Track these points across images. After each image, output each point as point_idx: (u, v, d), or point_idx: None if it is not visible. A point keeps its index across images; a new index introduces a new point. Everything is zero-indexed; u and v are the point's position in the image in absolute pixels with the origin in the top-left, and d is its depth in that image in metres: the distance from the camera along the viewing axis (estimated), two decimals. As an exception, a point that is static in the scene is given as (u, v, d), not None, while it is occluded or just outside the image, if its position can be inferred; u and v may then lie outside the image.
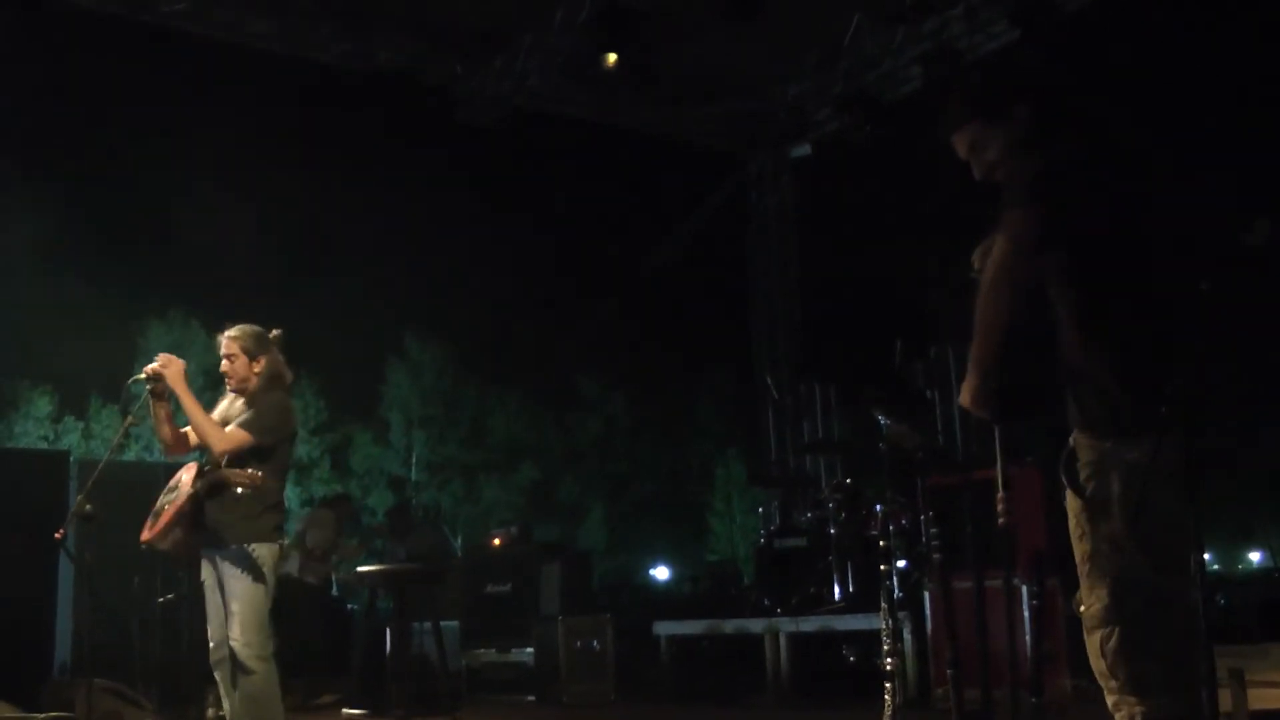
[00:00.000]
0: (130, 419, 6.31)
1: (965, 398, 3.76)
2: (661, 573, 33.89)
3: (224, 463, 6.17)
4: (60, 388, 32.20)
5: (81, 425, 32.50)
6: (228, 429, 6.11)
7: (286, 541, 6.57)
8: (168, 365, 6.16)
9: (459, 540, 35.52)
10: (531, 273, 38.54)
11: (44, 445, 30.36)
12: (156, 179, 31.76)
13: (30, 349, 29.57)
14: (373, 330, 36.90)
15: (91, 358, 30.60)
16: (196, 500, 6.19)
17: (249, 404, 6.26)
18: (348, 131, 32.48)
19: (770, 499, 12.89)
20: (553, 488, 38.76)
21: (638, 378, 39.03)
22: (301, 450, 35.57)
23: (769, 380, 14.56)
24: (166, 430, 6.29)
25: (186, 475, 6.21)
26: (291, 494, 34.23)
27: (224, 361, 6.35)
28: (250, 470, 6.07)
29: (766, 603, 10.68)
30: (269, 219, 33.19)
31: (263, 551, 6.12)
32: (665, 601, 15.41)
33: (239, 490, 6.09)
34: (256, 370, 6.29)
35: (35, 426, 31.45)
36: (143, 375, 6.15)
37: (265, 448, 6.13)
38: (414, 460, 38.03)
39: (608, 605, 12.19)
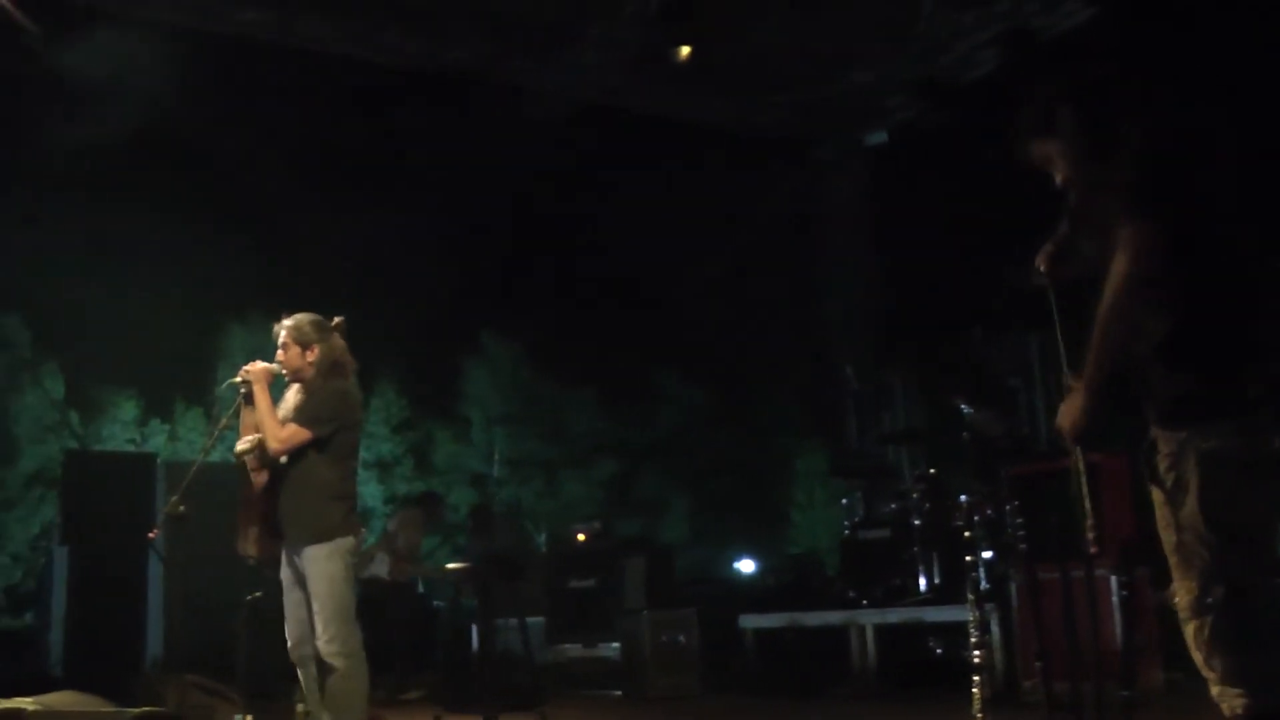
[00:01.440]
0: (224, 422, 6.40)
1: (1069, 420, 3.69)
2: (747, 566, 33.76)
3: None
4: (145, 392, 32.60)
5: (167, 428, 32.88)
6: (285, 426, 6.16)
7: (364, 532, 6.61)
8: (254, 369, 6.26)
9: (541, 536, 35.59)
10: (604, 266, 38.58)
11: (131, 448, 30.77)
12: (234, 182, 32.12)
13: (116, 353, 30.03)
14: (451, 328, 37.08)
15: (175, 362, 31.03)
16: (264, 501, 6.27)
17: (307, 395, 6.29)
18: (418, 131, 32.71)
19: (852, 490, 12.84)
20: (632, 482, 38.77)
21: (716, 369, 38.92)
22: (384, 448, 35.84)
23: (848, 370, 14.48)
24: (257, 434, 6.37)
25: (258, 478, 6.30)
26: (375, 491, 34.46)
27: (279, 351, 6.40)
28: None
29: (851, 595, 10.64)
30: (345, 219, 33.46)
31: (338, 545, 6.14)
32: (749, 594, 15.33)
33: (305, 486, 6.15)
34: (310, 360, 6.31)
35: (122, 430, 31.87)
36: (237, 379, 6.27)
37: (322, 438, 6.15)
38: (495, 457, 38.20)
39: (691, 599, 12.17)
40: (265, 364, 6.29)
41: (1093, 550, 4.60)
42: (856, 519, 11.74)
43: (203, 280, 31.56)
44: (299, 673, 6.35)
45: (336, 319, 6.45)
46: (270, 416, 6.09)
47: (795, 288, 26.73)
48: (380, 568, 11.82)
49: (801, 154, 15.33)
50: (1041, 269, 3.93)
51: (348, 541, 6.13)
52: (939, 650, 9.93)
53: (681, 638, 10.97)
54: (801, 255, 17.53)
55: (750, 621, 11.35)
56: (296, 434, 6.07)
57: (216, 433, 6.45)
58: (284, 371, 6.31)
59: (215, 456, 7.13)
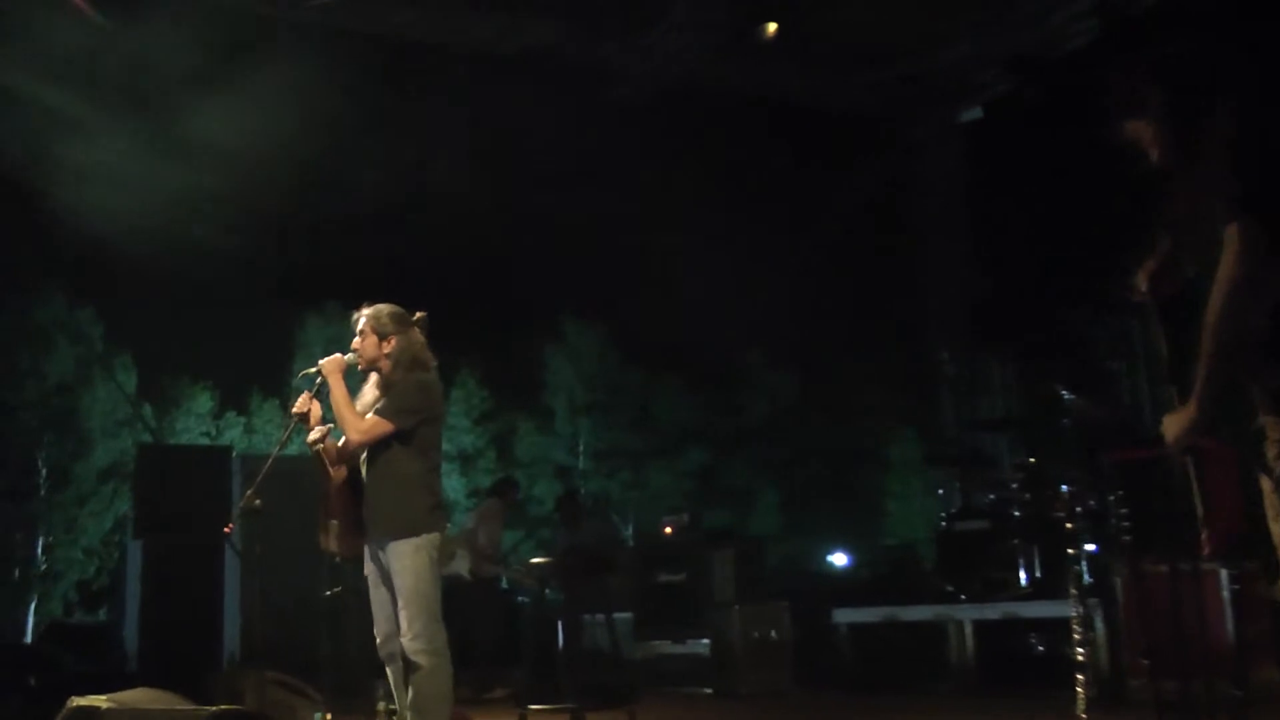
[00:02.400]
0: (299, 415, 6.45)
1: (1178, 429, 3.61)
2: (840, 559, 33.55)
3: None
4: (220, 384, 32.93)
5: (243, 421, 33.19)
6: (366, 418, 6.20)
7: (450, 527, 6.66)
8: (327, 361, 6.33)
9: (629, 529, 35.59)
10: (689, 251, 38.50)
11: (206, 441, 31.12)
12: (307, 170, 32.42)
13: (190, 346, 30.38)
14: (532, 316, 37.15)
15: (250, 354, 31.34)
16: (346, 495, 6.31)
17: (385, 388, 6.34)
18: (496, 111, 32.78)
19: (949, 480, 12.73)
20: (720, 472, 38.70)
21: (805, 356, 38.72)
22: (466, 440, 36.01)
23: (943, 355, 14.37)
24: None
25: (336, 473, 6.35)
26: (458, 485, 34.62)
27: (356, 339, 6.45)
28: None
29: (948, 589, 10.56)
30: (420, 206, 33.66)
31: (426, 541, 6.17)
32: (843, 588, 15.28)
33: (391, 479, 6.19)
34: (386, 351, 6.36)
35: (197, 423, 32.18)
36: (311, 370, 6.33)
37: (404, 431, 6.19)
38: (580, 448, 38.28)
39: (783, 592, 12.13)
40: (339, 355, 6.35)
41: (1205, 552, 4.52)
42: (953, 510, 11.65)
43: (279, 270, 31.91)
44: (387, 670, 6.39)
45: (418, 314, 6.49)
46: (348, 408, 6.14)
47: (888, 270, 26.50)
48: (461, 565, 11.87)
49: (894, 132, 15.21)
50: (1143, 287, 3.85)
51: (433, 537, 6.15)
52: (1040, 647, 9.83)
53: (773, 633, 10.94)
54: (894, 236, 17.41)
55: (844, 616, 11.29)
56: (377, 425, 6.12)
57: (292, 425, 6.52)
58: (359, 361, 6.34)
59: (292, 449, 7.19)
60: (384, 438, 6.13)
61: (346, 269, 32.20)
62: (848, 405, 40.61)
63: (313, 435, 6.27)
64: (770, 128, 26.96)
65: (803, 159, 33.98)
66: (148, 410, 30.53)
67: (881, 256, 26.69)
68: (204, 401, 33.03)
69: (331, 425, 6.32)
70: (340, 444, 6.37)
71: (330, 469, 6.30)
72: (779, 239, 35.98)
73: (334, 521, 6.26)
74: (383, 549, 6.17)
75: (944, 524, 11.38)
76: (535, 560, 10.06)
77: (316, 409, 6.33)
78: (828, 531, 39.28)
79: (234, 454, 12.77)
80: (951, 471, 13.06)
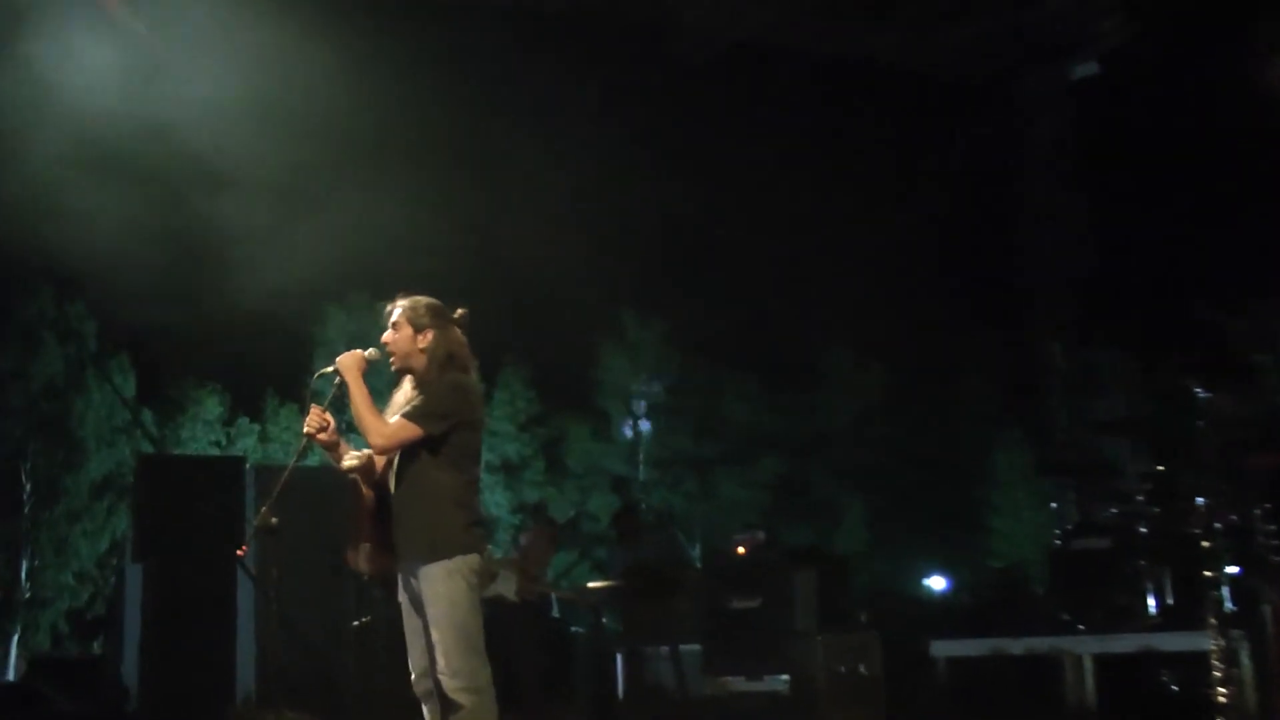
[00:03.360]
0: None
1: None
2: (938, 582, 33.38)
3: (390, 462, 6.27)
4: (231, 386, 33.05)
5: (257, 428, 33.36)
6: (391, 421, 6.14)
7: (491, 549, 6.64)
8: (347, 357, 6.28)
9: (696, 548, 35.56)
10: (762, 231, 38.37)
11: (216, 451, 31.26)
12: (329, 147, 32.57)
13: (197, 344, 30.49)
14: (585, 311, 37.22)
15: (265, 352, 31.46)
16: (375, 510, 6.28)
17: (419, 389, 6.28)
18: (543, 77, 32.80)
19: (1063, 491, 12.62)
20: (800, 482, 38.61)
21: (895, 349, 38.58)
22: (510, 449, 36.08)
23: (1054, 347, 14.26)
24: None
25: (370, 492, 6.32)
26: (501, 499, 34.74)
27: (388, 332, 6.38)
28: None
29: (1065, 618, 10.46)
30: (455, 186, 33.75)
31: (462, 564, 6.11)
32: (941, 616, 15.19)
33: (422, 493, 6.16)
34: (421, 346, 6.28)
35: (205, 430, 32.35)
36: (329, 369, 6.28)
37: (435, 437, 6.12)
38: (639, 456, 38.29)
39: (873, 621, 12.07)
40: (359, 351, 6.29)
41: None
42: (1069, 526, 11.56)
43: (298, 257, 32.12)
44: (423, 709, 6.37)
45: (459, 310, 6.43)
46: (369, 411, 6.06)
47: (990, 250, 26.33)
48: (505, 586, 11.85)
49: (995, 92, 15.09)
50: None
51: (470, 559, 6.09)
52: (1174, 686, 9.73)
53: (862, 667, 10.89)
54: (996, 211, 17.30)
55: (943, 648, 11.23)
56: (403, 429, 6.04)
57: (305, 445, 6.46)
58: (391, 356, 6.30)
59: (313, 459, 7.19)
60: (411, 445, 6.08)
61: (372, 256, 32.38)
62: (944, 405, 40.47)
63: (349, 461, 6.24)
64: (855, 92, 26.93)
65: (891, 127, 33.81)
66: (148, 416, 30.73)
67: (982, 235, 26.54)
68: (212, 406, 33.20)
69: (367, 452, 6.29)
70: (364, 451, 6.36)
71: (362, 487, 6.29)
72: (864, 218, 35.83)
73: (365, 544, 6.26)
74: (414, 574, 6.14)
75: (1058, 542, 11.29)
76: (590, 584, 10.05)
77: (331, 424, 6.28)
78: (923, 550, 39.15)
79: (247, 465, 12.80)
80: (1067, 481, 12.95)
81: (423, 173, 32.00)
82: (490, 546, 6.69)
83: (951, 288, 37.33)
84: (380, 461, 6.30)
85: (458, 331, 6.39)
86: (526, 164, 34.91)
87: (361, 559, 6.31)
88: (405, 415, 6.11)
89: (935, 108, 20.58)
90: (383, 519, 6.27)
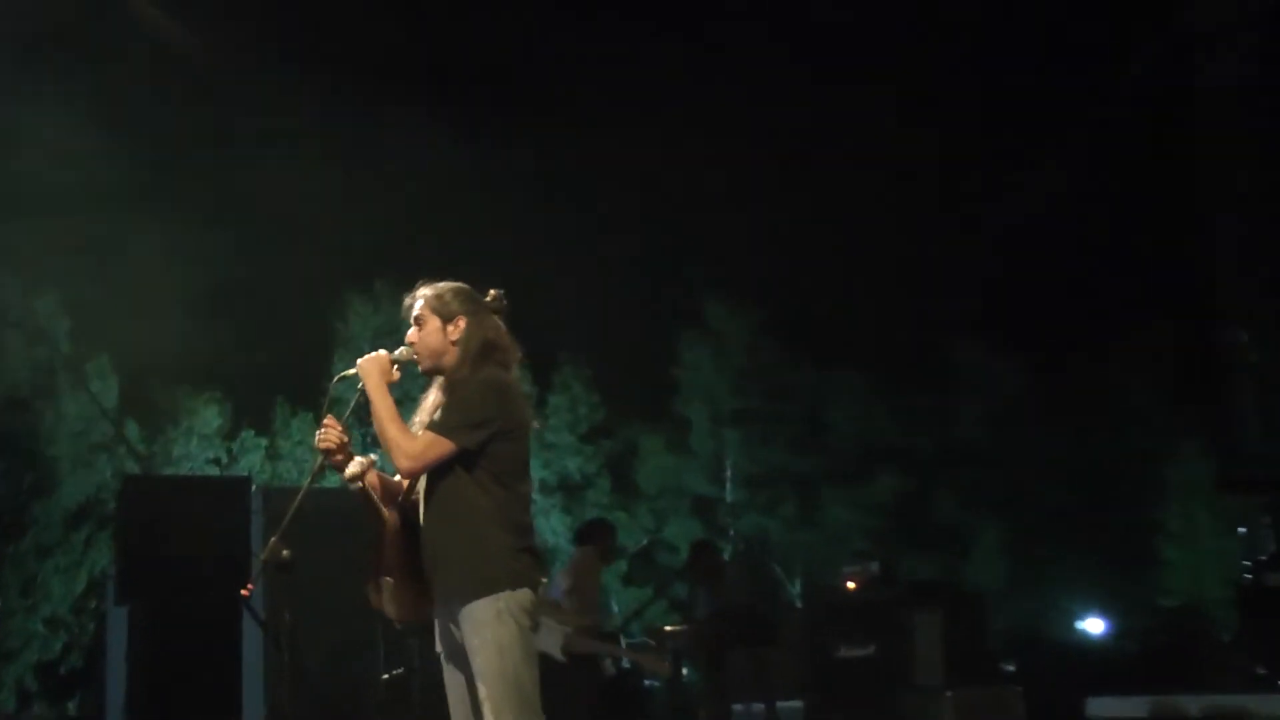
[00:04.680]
0: (339, 431, 6.41)
1: None
2: (1095, 625, 33.17)
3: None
4: (233, 392, 33.13)
5: (264, 442, 33.50)
6: (419, 436, 6.11)
7: (545, 581, 6.55)
8: (368, 360, 6.26)
9: (796, 584, 35.48)
10: (875, 203, 38.28)
11: (214, 470, 31.41)
12: (353, 118, 32.74)
13: (190, 342, 30.60)
14: (659, 296, 37.19)
15: (274, 352, 31.61)
16: (403, 543, 6.27)
17: (449, 391, 6.24)
18: (611, 38, 33.06)
19: (1254, 514, 12.53)
20: (923, 504, 38.45)
21: (1039, 340, 38.40)
22: (569, 464, 36.12)
23: (1239, 335, 14.16)
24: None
25: (391, 512, 6.30)
26: (559, 524, 34.79)
27: (411, 329, 6.34)
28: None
29: (1258, 671, 10.41)
30: (503, 159, 33.89)
31: (508, 602, 6.09)
32: (1099, 666, 15.10)
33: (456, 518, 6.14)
34: (454, 337, 6.23)
35: (202, 446, 32.43)
36: (349, 372, 6.29)
37: (471, 450, 6.09)
38: (727, 472, 38.26)
39: (1014, 672, 12.04)
40: (382, 352, 6.27)
41: None
42: (1261, 556, 11.48)
43: (314, 241, 32.26)
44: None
45: (492, 293, 6.38)
46: (393, 424, 6.02)
47: (1156, 216, 26.18)
48: (550, 642, 11.77)
49: (1166, 18, 15.02)
50: None
51: (521, 595, 6.06)
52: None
53: (1002, 728, 10.87)
54: (1167, 165, 17.18)
55: (1103, 707, 11.20)
56: (432, 446, 6.00)
57: (320, 462, 6.44)
58: (415, 357, 6.27)
59: (332, 478, 7.22)
60: (444, 461, 6.05)
61: (401, 236, 32.53)
62: (1102, 408, 40.12)
63: (351, 469, 6.17)
64: (996, 51, 27.02)
65: (1031, 65, 33.79)
66: (133, 430, 30.83)
67: (1147, 197, 26.37)
68: (211, 417, 33.32)
69: (376, 456, 6.27)
70: (395, 477, 6.33)
71: (381, 510, 6.25)
72: (998, 184, 35.76)
73: (388, 580, 6.23)
74: (453, 617, 6.12)
75: (1248, 576, 11.23)
76: (668, 628, 10.05)
77: (347, 441, 6.25)
78: (1076, 586, 38.86)
79: (253, 486, 12.91)
80: (1258, 500, 12.85)
81: (462, 148, 32.21)
82: (544, 580, 6.57)
83: (1111, 267, 37.13)
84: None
85: (495, 319, 6.36)
86: (589, 129, 35.06)
87: (386, 599, 6.29)
88: (432, 427, 6.07)
89: (1092, 39, 20.54)
90: (411, 548, 6.25)
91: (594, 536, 13.67)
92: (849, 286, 37.76)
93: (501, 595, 6.02)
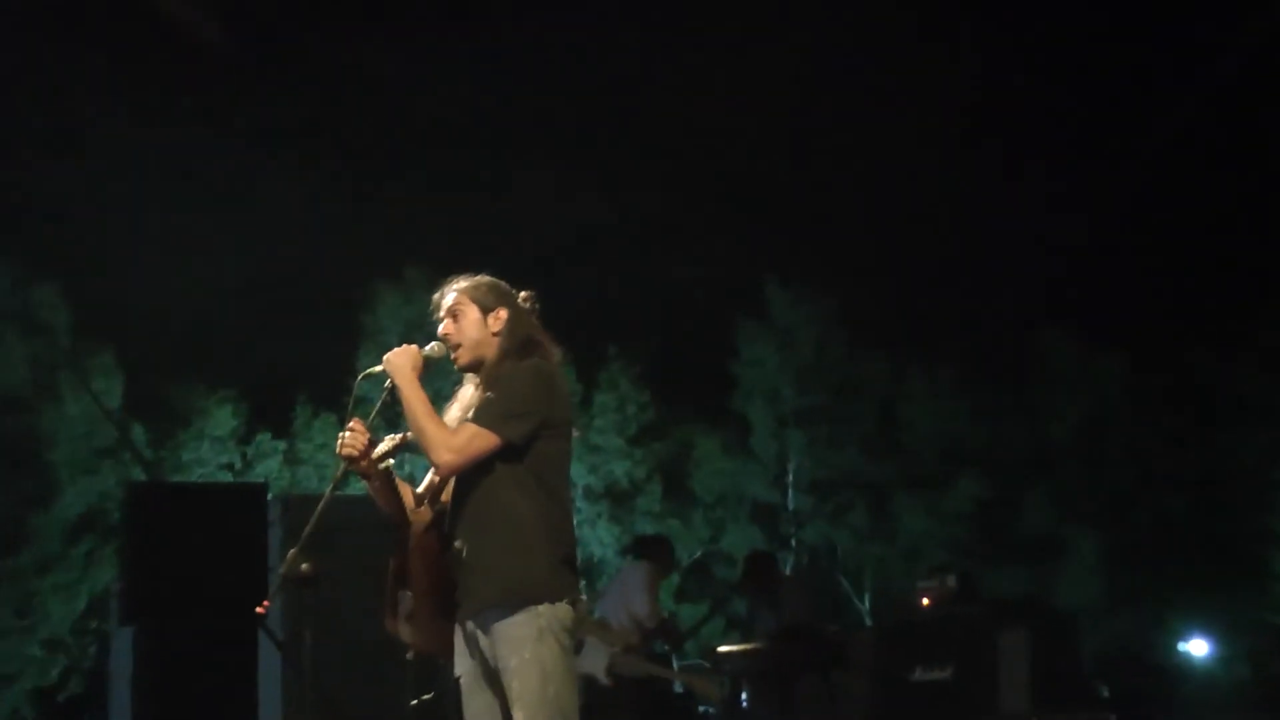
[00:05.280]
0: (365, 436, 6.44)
1: None
2: (1200, 647, 33.09)
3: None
4: (249, 392, 33.20)
5: (282, 446, 33.57)
6: (459, 429, 6.09)
7: (585, 599, 6.53)
8: (398, 354, 6.28)
9: (865, 599, 35.49)
10: (955, 178, 38.27)
11: (229, 477, 31.48)
12: (380, 101, 32.96)
13: (202, 337, 30.70)
14: (716, 283, 37.19)
15: (294, 347, 31.69)
16: (431, 551, 6.28)
17: (489, 385, 6.23)
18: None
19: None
20: (1010, 512, 38.37)
21: (1140, 331, 38.31)
22: (617, 469, 36.15)
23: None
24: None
25: (416, 516, 6.30)
26: (605, 534, 34.87)
27: (445, 322, 6.32)
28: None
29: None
30: (541, 130, 34.02)
31: (548, 616, 6.09)
32: (1206, 693, 15.14)
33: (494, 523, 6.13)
34: (495, 329, 6.23)
35: (215, 450, 32.53)
36: (376, 369, 6.31)
37: (514, 443, 6.09)
38: (790, 477, 38.25)
39: (1110, 698, 12.05)
40: (413, 346, 6.28)
41: None
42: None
43: (337, 226, 32.43)
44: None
45: (523, 294, 6.40)
46: (430, 419, 6.02)
47: (1268, 196, 26.07)
48: (595, 663, 11.80)
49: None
50: None
51: (562, 610, 6.05)
52: None
53: (1095, 760, 10.89)
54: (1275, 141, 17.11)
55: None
56: (476, 439, 5.99)
57: (343, 469, 6.43)
58: (453, 351, 6.28)
59: (355, 485, 7.27)
60: (487, 456, 6.07)
61: (434, 223, 32.65)
62: (1209, 405, 39.91)
63: (382, 446, 6.16)
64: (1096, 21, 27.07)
65: (1140, 40, 33.86)
66: (139, 433, 30.91)
67: (1262, 170, 26.28)
68: (224, 419, 33.38)
69: (404, 434, 6.27)
70: (426, 480, 6.34)
71: (405, 510, 6.25)
72: (1098, 147, 35.73)
73: (407, 593, 6.22)
74: (484, 630, 6.12)
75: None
76: (725, 649, 10.08)
77: (371, 445, 6.25)
78: (1179, 603, 38.70)
79: (270, 495, 12.97)
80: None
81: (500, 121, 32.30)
82: (584, 597, 6.54)
83: (1219, 250, 37.00)
84: (432, 473, 6.30)
85: (529, 317, 6.40)
86: (629, 86, 35.13)
87: (403, 622, 6.29)
88: (475, 419, 6.06)
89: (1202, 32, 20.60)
90: (437, 558, 6.24)
91: (657, 551, 13.71)
92: (926, 271, 37.72)
93: (542, 610, 6.00)
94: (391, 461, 6.14)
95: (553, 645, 6.04)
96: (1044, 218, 36.93)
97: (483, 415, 5.99)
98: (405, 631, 6.23)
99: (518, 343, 6.20)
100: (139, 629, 11.23)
